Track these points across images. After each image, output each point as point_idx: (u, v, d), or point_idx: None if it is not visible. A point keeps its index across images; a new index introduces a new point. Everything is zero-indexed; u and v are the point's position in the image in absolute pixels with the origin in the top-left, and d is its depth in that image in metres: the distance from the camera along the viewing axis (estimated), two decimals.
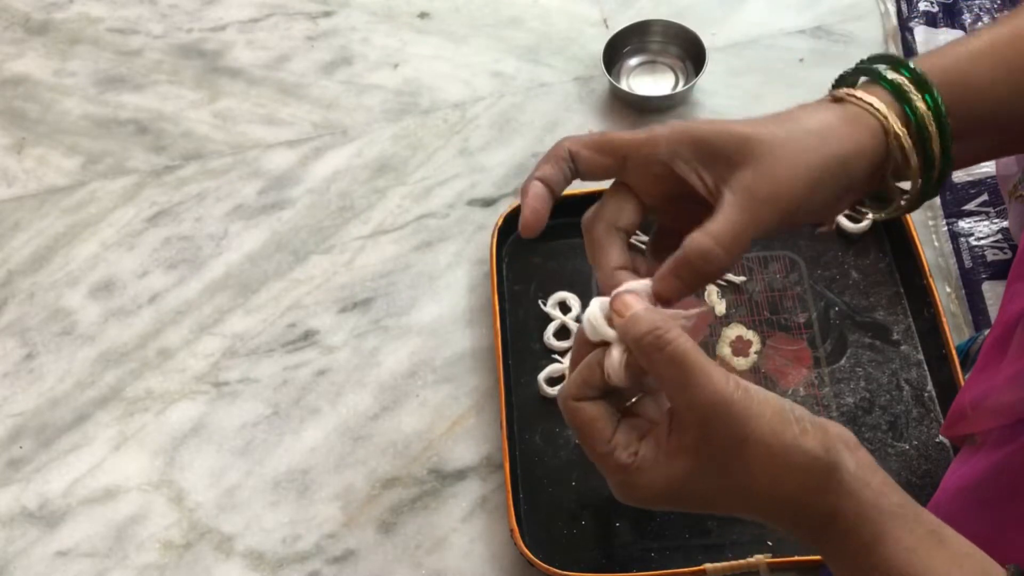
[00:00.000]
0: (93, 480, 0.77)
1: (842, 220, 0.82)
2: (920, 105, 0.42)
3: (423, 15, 1.04)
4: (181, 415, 0.80)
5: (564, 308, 0.81)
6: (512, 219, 0.84)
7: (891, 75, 0.43)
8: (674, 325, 0.39)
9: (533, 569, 0.68)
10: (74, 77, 1.02)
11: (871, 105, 0.42)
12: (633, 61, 0.97)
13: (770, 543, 0.69)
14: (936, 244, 0.84)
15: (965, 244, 0.82)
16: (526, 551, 0.67)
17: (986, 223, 0.83)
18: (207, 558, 0.73)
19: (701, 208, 0.42)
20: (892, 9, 0.98)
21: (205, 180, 0.93)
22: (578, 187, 0.88)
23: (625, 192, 0.45)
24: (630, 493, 0.41)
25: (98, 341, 0.84)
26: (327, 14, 1.05)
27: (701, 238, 0.40)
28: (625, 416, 0.42)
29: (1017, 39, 0.44)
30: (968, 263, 0.81)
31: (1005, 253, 0.81)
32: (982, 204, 0.84)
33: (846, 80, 0.46)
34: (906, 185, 0.44)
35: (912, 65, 0.43)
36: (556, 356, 0.79)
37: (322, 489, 0.76)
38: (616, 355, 0.41)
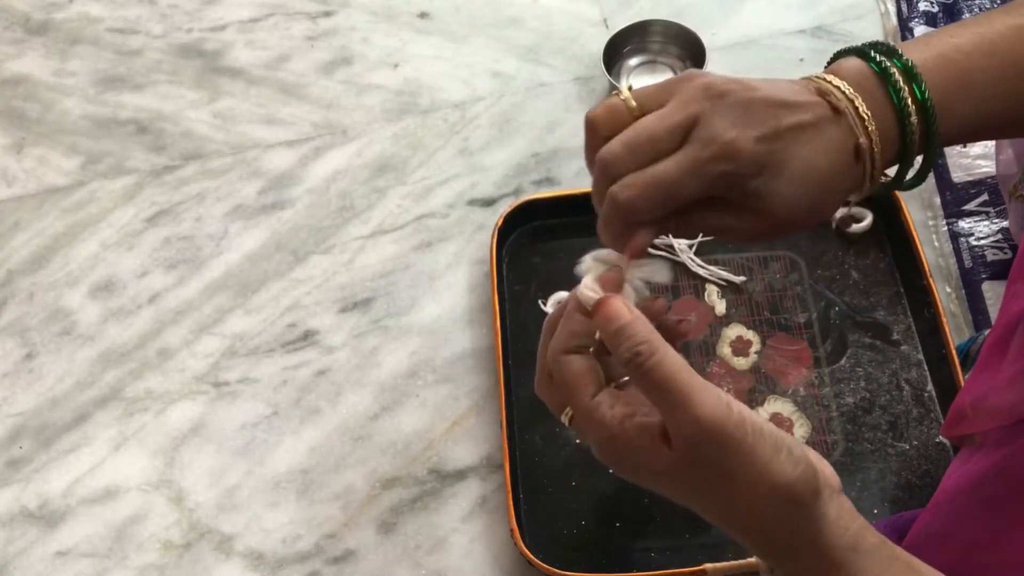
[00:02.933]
0: (93, 480, 0.77)
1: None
2: (902, 83, 0.44)
3: (423, 15, 1.04)
4: (181, 415, 0.80)
5: None
6: (512, 219, 0.83)
7: (879, 57, 0.45)
8: (661, 343, 0.38)
9: (533, 569, 0.68)
10: (74, 77, 1.02)
11: (823, 78, 0.45)
12: (633, 61, 0.97)
13: None
14: (936, 244, 0.84)
15: (965, 244, 0.82)
16: (526, 551, 0.67)
17: (986, 223, 0.83)
18: (207, 558, 0.73)
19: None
20: (892, 9, 0.98)
21: (205, 180, 0.93)
22: (578, 187, 0.87)
23: None
24: (611, 458, 0.41)
25: (98, 341, 0.84)
26: (327, 14, 1.05)
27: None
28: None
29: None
30: (968, 263, 0.81)
31: (1005, 253, 0.81)
32: (982, 204, 0.84)
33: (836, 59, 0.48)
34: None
35: (903, 55, 0.45)
36: None
37: (322, 489, 0.76)
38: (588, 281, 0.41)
